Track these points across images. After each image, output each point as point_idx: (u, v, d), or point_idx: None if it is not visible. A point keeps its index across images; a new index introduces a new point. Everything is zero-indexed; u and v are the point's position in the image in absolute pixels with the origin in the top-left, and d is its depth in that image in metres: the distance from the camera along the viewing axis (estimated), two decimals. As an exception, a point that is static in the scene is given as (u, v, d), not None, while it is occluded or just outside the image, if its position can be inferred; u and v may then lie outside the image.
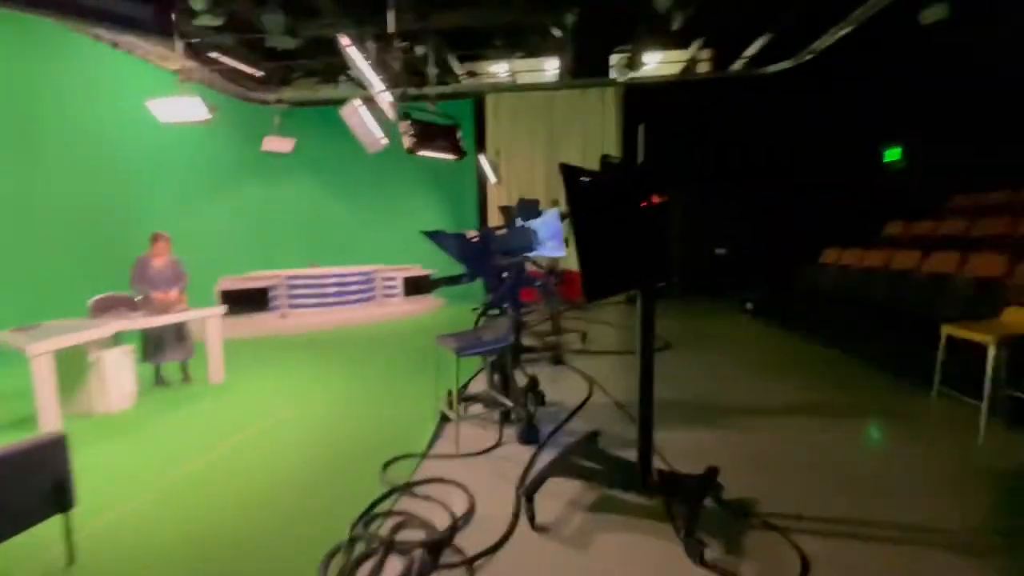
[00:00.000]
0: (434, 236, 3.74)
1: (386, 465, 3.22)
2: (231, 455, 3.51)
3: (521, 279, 3.87)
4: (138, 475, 3.23)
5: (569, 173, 2.13)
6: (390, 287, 9.91)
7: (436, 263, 10.81)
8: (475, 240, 3.74)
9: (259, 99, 10.76)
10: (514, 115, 10.85)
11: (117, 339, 4.92)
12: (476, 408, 4.08)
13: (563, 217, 6.44)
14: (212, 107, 6.63)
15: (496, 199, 10.82)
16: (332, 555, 2.34)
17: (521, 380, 4.04)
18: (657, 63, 9.84)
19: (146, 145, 8.31)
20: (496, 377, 3.91)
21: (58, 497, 2.31)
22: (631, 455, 2.68)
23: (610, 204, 2.31)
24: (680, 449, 3.33)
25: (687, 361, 5.76)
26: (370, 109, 6.04)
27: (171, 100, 6.47)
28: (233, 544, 2.51)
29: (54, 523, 2.29)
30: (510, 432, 3.69)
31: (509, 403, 3.65)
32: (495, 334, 3.56)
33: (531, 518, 2.57)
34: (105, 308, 5.20)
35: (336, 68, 9.44)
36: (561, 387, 4.78)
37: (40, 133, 6.78)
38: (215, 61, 8.72)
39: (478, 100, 10.92)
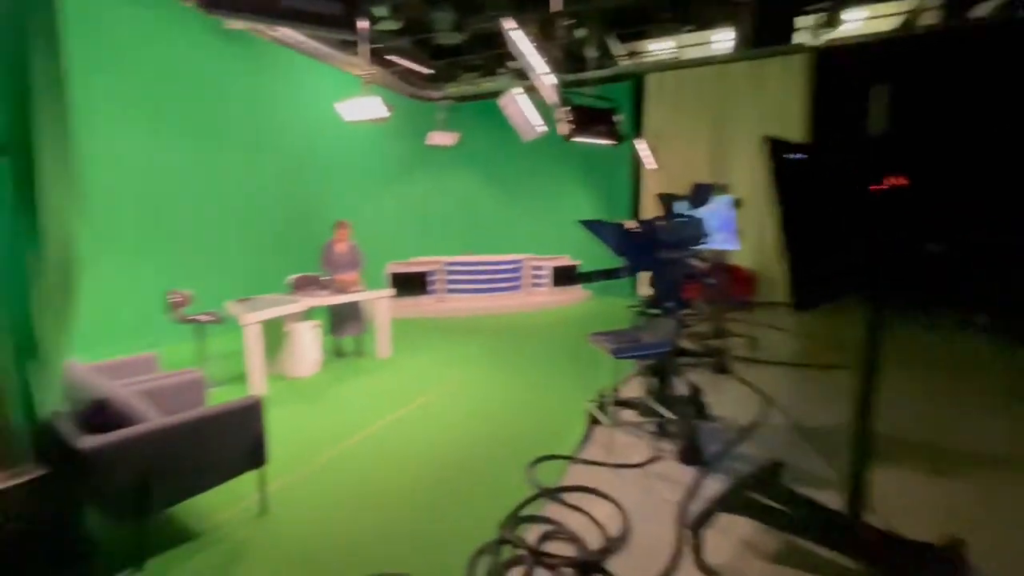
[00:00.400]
0: (591, 226, 3.49)
1: (534, 463, 3.10)
2: (395, 427, 3.73)
3: (687, 275, 3.43)
4: (319, 438, 3.59)
5: (776, 148, 1.70)
6: (538, 276, 9.95)
7: (584, 254, 10.59)
8: (636, 231, 3.39)
9: (427, 96, 11.56)
10: (676, 95, 10.00)
11: (308, 314, 5.63)
12: (628, 414, 3.76)
13: (737, 205, 5.70)
14: (390, 107, 7.22)
15: (652, 186, 10.15)
16: (479, 553, 2.28)
17: (679, 387, 3.61)
18: (862, 20, 8.18)
19: (333, 143, 9.46)
20: (653, 383, 3.55)
21: (254, 454, 2.61)
22: (829, 498, 2.15)
23: (829, 187, 1.81)
24: (899, 503, 2.63)
25: (898, 387, 4.68)
26: (528, 98, 5.97)
27: (355, 101, 7.21)
28: (391, 508, 2.61)
29: (247, 477, 2.60)
30: (667, 446, 3.31)
31: (668, 414, 3.27)
32: (656, 336, 3.20)
33: (698, 556, 2.21)
34: (300, 286, 5.99)
35: (497, 61, 9.66)
36: (726, 400, 4.21)
37: (257, 136, 8.10)
38: (392, 63, 9.53)
39: (637, 82, 10.30)
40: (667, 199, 5.26)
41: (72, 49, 5.63)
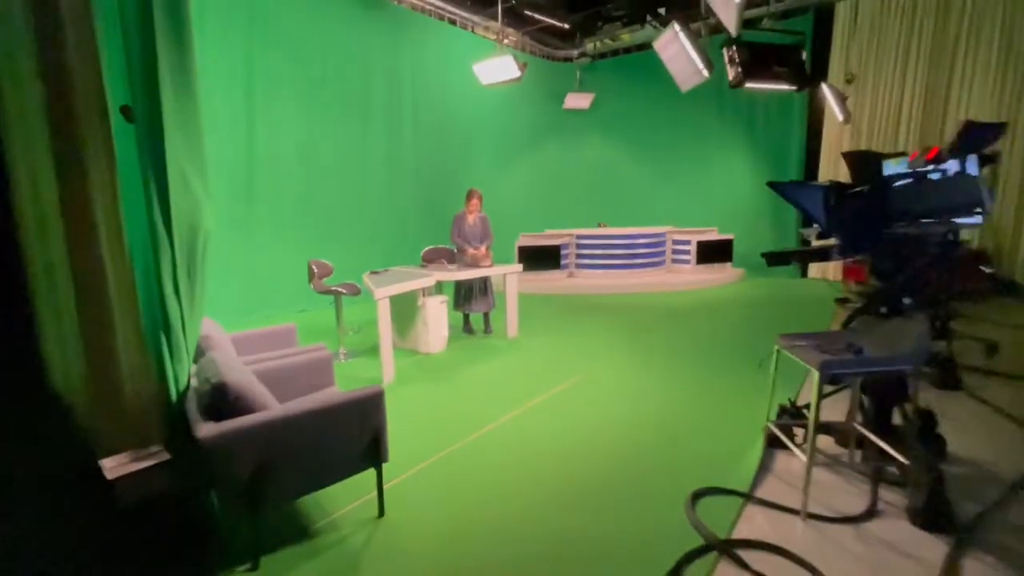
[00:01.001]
0: (786, 189, 2.59)
1: (694, 496, 2.44)
2: (525, 423, 3.32)
3: (939, 259, 2.39)
4: (444, 427, 3.31)
5: None
6: (682, 252, 8.86)
7: (737, 226, 9.19)
8: (856, 194, 2.43)
9: (563, 56, 10.81)
10: (878, 26, 7.94)
11: (438, 288, 5.46)
12: (824, 439, 2.86)
13: (986, 162, 4.24)
14: (521, 65, 6.70)
15: (836, 144, 8.34)
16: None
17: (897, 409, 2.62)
18: None
19: (469, 111, 9.24)
20: (867, 404, 2.62)
21: (374, 451, 2.34)
22: None
23: None
24: None
25: None
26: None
27: (489, 62, 6.82)
28: (522, 528, 2.18)
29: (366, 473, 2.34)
30: (891, 496, 2.41)
31: (895, 454, 2.34)
32: (890, 347, 2.28)
33: None
34: (432, 258, 5.86)
35: (643, 6, 8.54)
36: (961, 429, 3.06)
37: (399, 107, 8.14)
38: (527, 21, 8.94)
39: (821, 15, 8.39)
40: (867, 160, 3.98)
41: (237, 31, 5.88)
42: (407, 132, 8.26)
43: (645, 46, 10.13)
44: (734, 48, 4.87)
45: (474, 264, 5.14)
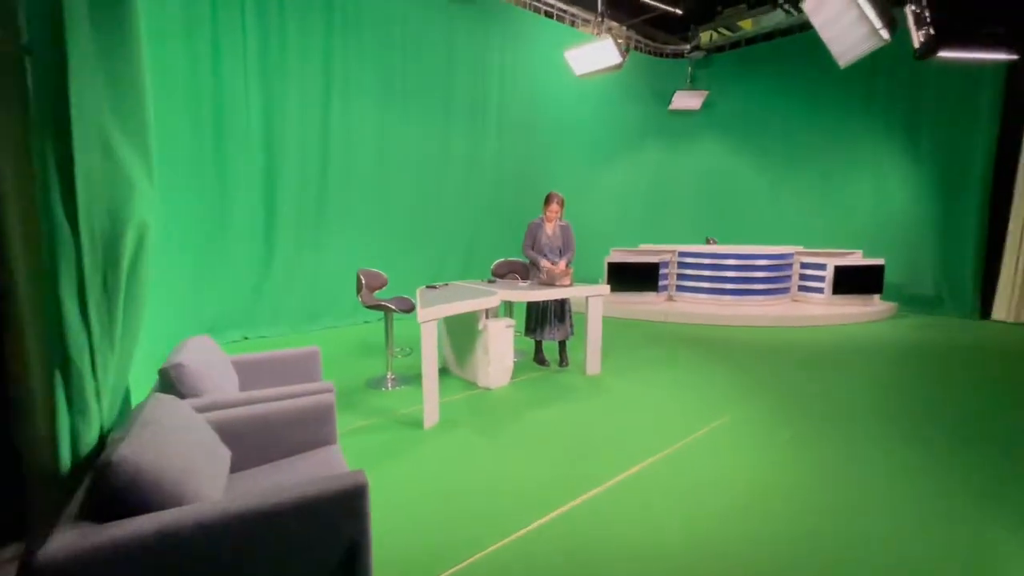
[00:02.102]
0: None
1: None
2: (605, 505, 2.30)
3: None
4: (494, 505, 2.39)
5: None
6: (814, 278, 7.23)
7: (889, 250, 7.34)
8: None
9: (671, 52, 9.62)
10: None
11: (506, 309, 4.61)
12: None
13: None
14: (623, 51, 5.72)
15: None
16: None
17: None
18: None
19: (559, 110, 8.38)
20: None
21: (348, 572, 1.49)
22: None
23: None
24: None
25: None
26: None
27: (586, 48, 5.92)
28: None
29: None
30: None
31: None
32: None
33: None
34: (503, 273, 5.03)
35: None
36: None
37: (483, 104, 7.49)
38: (633, 10, 7.93)
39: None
40: None
41: (316, 19, 5.47)
42: (491, 132, 7.59)
43: (772, 35, 8.66)
44: (922, 3, 3.50)
45: (550, 282, 4.21)
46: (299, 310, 5.95)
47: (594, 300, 4.26)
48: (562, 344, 4.61)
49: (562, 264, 4.37)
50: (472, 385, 4.07)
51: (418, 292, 3.98)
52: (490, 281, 4.53)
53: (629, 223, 9.32)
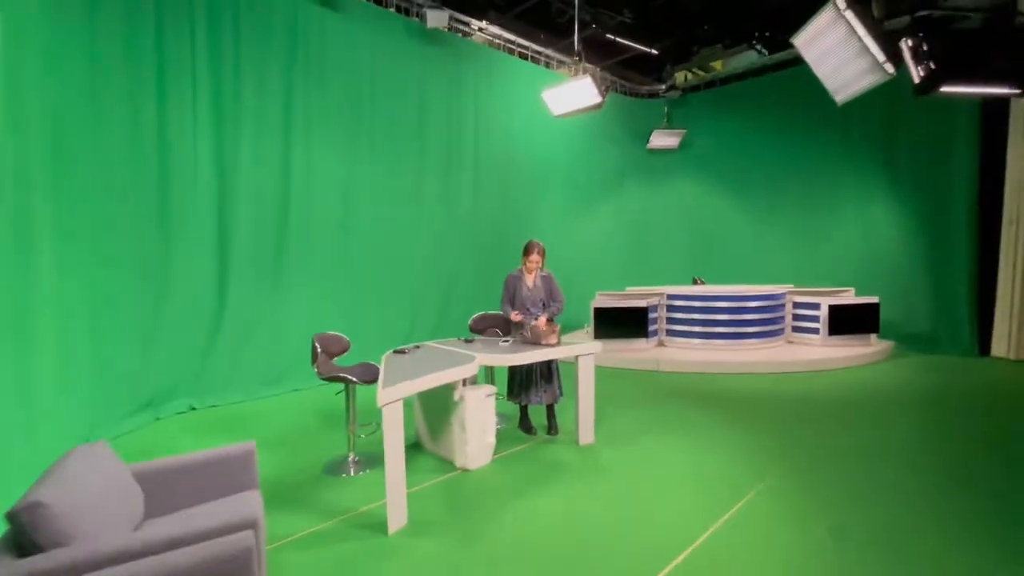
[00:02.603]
0: None
1: None
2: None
3: None
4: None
5: None
6: (807, 319, 6.92)
7: (878, 287, 7.12)
8: None
9: (646, 92, 9.58)
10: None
11: (485, 374, 4.11)
12: None
13: None
14: (604, 88, 5.48)
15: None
16: None
17: None
18: None
19: (537, 153, 8.14)
20: None
21: None
22: None
23: None
24: None
25: None
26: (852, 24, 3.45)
27: (564, 87, 5.69)
28: None
29: None
30: None
31: None
32: None
33: None
34: (482, 327, 4.55)
35: (747, 25, 7.17)
36: None
37: (458, 149, 7.18)
38: (609, 52, 7.85)
39: None
40: None
41: (275, 60, 5.09)
42: (466, 177, 7.26)
43: (745, 75, 8.68)
44: (920, 36, 3.29)
45: (534, 340, 3.74)
46: (255, 374, 5.33)
47: (585, 360, 3.79)
48: (550, 408, 4.10)
49: (543, 320, 3.91)
50: (448, 464, 3.50)
51: (383, 360, 3.46)
52: (467, 340, 4.03)
53: (612, 265, 9.00)
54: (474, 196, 7.34)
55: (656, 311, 6.93)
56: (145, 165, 4.53)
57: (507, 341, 3.89)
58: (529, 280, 4.05)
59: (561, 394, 4.08)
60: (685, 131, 8.84)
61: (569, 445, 3.84)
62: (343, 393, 3.51)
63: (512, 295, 4.06)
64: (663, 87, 9.25)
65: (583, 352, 3.77)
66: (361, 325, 5.86)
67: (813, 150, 8.05)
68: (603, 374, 5.79)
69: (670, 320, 7.00)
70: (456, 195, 7.13)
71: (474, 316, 4.54)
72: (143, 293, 4.57)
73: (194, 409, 4.90)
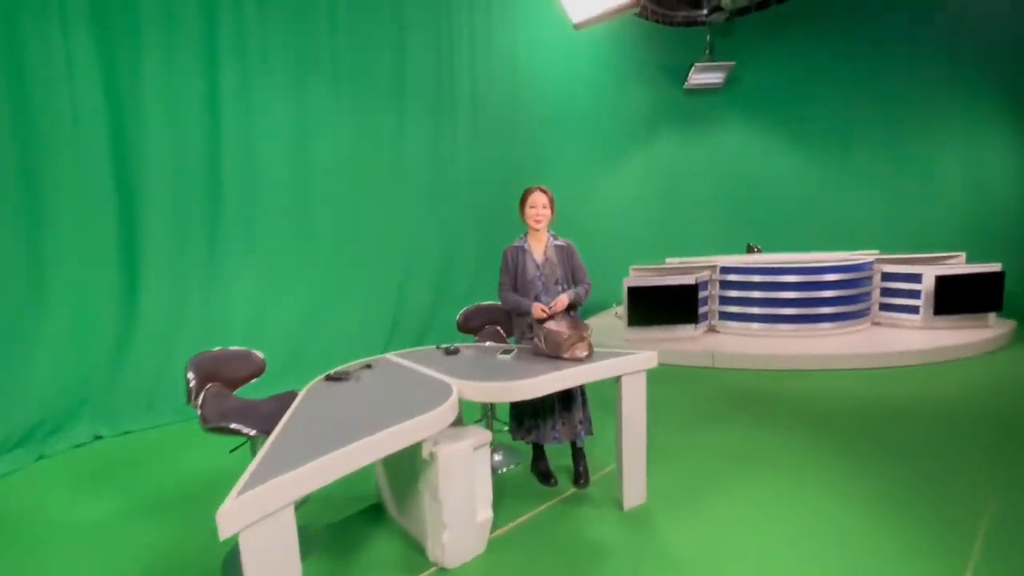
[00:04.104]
0: None
1: None
2: None
3: None
4: None
5: None
6: (901, 294, 5.41)
7: (996, 252, 5.53)
8: None
9: (683, 19, 7.86)
10: None
11: (487, 412, 2.75)
12: None
13: None
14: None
15: None
16: None
17: None
18: None
19: (549, 96, 6.59)
20: None
21: None
22: None
23: None
24: None
25: None
26: None
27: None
28: None
29: None
30: None
31: None
32: None
33: None
34: (475, 326, 3.18)
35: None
36: None
37: (452, 89, 5.68)
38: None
39: None
40: None
41: None
42: (461, 125, 5.77)
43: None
44: None
45: (554, 352, 2.35)
46: (181, 388, 4.05)
47: (632, 381, 2.40)
48: (577, 451, 2.74)
49: (561, 301, 2.52)
50: (418, 557, 2.18)
51: (299, 399, 2.11)
52: (449, 350, 2.65)
53: (642, 231, 7.51)
54: (471, 150, 5.87)
55: (706, 288, 5.48)
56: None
57: (508, 353, 2.51)
58: (538, 251, 2.65)
59: (589, 429, 2.72)
60: (733, 64, 7.16)
61: (608, 508, 2.50)
62: (245, 448, 2.19)
63: (514, 275, 2.67)
64: (704, 12, 7.51)
65: (631, 369, 2.37)
66: (325, 324, 4.57)
67: (903, 79, 6.34)
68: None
69: (723, 300, 5.54)
70: (449, 149, 5.67)
71: (464, 310, 3.16)
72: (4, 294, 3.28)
73: (99, 438, 3.68)
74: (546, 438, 2.66)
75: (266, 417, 2.08)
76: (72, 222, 3.54)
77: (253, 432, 1.96)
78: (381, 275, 5.05)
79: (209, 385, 2.18)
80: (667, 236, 7.42)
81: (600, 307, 6.76)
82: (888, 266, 5.47)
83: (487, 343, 3.01)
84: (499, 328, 3.16)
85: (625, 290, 5.17)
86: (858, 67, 6.72)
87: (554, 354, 2.37)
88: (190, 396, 2.08)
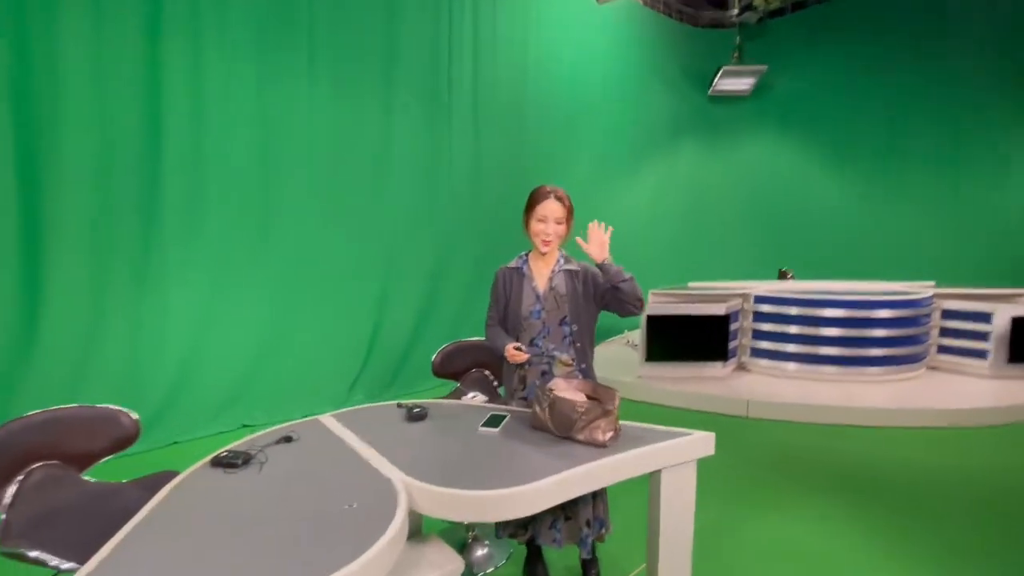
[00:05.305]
0: None
1: None
2: None
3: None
4: None
5: None
6: (966, 335, 4.63)
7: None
8: None
9: (709, 20, 7.20)
10: None
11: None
12: None
13: None
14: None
15: None
16: None
17: None
18: None
19: (561, 100, 5.90)
20: None
21: None
22: None
23: None
24: None
25: None
26: None
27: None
28: None
29: None
30: None
31: None
32: None
33: None
34: (458, 370, 2.42)
35: None
36: None
37: (451, 88, 4.99)
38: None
39: None
40: None
41: None
42: (459, 124, 5.06)
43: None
44: None
45: (563, 430, 1.59)
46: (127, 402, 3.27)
47: (675, 476, 1.62)
48: (587, 551, 1.96)
49: (566, 357, 1.77)
50: None
51: (160, 496, 1.34)
52: (412, 410, 1.88)
53: (659, 251, 6.77)
54: (470, 149, 5.15)
55: (737, 320, 4.71)
56: None
57: (495, 425, 1.73)
58: (540, 278, 1.90)
59: (601, 532, 1.94)
60: (764, 68, 6.47)
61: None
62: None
63: (505, 307, 1.92)
64: (735, 11, 6.84)
65: (678, 459, 1.59)
66: (281, 349, 3.81)
67: (959, 89, 5.62)
68: (661, 418, 3.63)
69: (755, 334, 4.77)
70: (444, 146, 4.95)
71: (443, 349, 2.39)
72: None
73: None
74: (543, 538, 1.88)
75: (113, 519, 1.31)
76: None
77: (57, 564, 1.19)
78: (355, 292, 4.28)
79: (34, 466, 1.41)
80: (687, 258, 6.68)
81: (609, 332, 6.01)
82: (951, 302, 4.70)
83: (471, 395, 2.25)
84: (487, 373, 2.40)
85: (644, 319, 4.40)
86: (909, 75, 6.02)
87: (562, 433, 1.61)
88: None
